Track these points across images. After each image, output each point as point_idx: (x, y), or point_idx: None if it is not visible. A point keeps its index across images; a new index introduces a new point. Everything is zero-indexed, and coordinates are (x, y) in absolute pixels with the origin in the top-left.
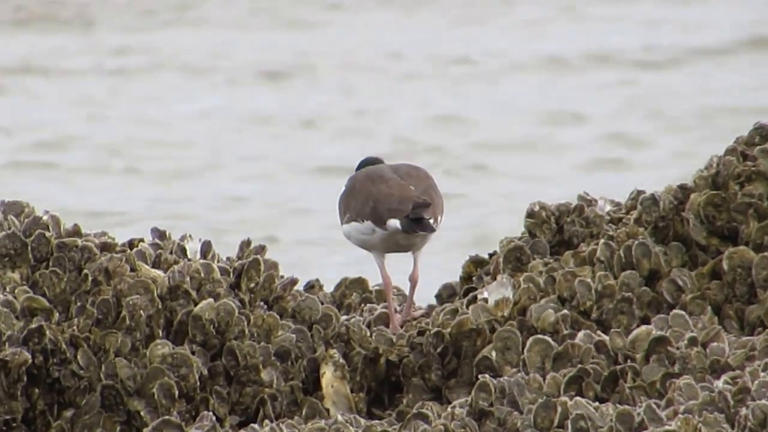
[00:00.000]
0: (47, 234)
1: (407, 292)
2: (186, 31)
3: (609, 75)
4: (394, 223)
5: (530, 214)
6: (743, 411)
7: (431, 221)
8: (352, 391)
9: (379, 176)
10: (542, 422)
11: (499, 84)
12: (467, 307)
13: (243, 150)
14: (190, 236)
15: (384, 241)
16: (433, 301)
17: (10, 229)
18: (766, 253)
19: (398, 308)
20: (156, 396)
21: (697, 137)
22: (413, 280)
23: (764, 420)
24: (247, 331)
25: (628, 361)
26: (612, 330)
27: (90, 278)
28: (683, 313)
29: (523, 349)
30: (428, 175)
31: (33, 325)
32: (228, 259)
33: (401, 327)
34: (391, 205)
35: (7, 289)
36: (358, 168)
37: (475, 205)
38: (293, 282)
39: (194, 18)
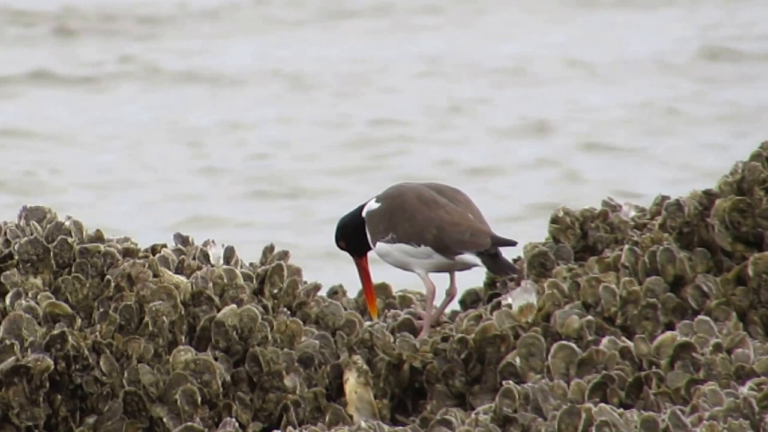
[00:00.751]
0: (69, 239)
1: (426, 303)
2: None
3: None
4: (471, 259)
5: (554, 220)
6: None
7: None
8: (375, 398)
9: (432, 200)
10: (566, 429)
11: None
12: (491, 313)
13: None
14: (213, 242)
15: (434, 265)
16: (457, 307)
17: (32, 234)
18: None
19: (420, 316)
20: (179, 402)
21: None
22: (452, 295)
23: None
24: (270, 337)
25: (653, 367)
26: (636, 336)
27: (112, 284)
28: (708, 319)
29: (547, 355)
30: (469, 198)
31: (55, 331)
32: (251, 264)
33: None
34: (461, 236)
35: (30, 295)
36: (340, 234)
37: None
38: (316, 288)
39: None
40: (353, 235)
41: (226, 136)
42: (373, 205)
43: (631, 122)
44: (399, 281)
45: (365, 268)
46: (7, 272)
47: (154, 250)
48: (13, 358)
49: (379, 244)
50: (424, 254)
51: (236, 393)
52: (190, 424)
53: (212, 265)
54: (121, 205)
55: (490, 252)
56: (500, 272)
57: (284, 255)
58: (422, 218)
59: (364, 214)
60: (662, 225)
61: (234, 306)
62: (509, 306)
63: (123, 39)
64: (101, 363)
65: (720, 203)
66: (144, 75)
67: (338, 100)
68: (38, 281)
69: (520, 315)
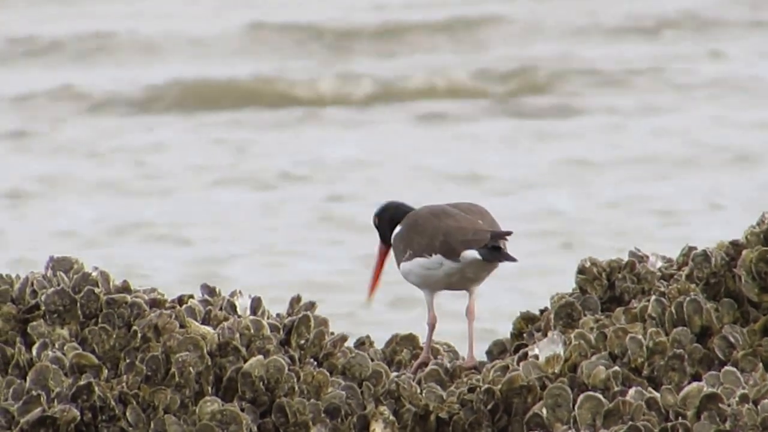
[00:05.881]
0: (96, 290)
1: (427, 333)
2: None
3: None
4: (471, 254)
5: (581, 271)
6: None
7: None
8: None
9: (442, 212)
10: None
11: None
12: (518, 363)
13: None
14: (240, 292)
15: (448, 275)
16: (484, 358)
17: (59, 285)
18: None
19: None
20: None
21: None
22: (470, 314)
23: None
24: (296, 388)
25: (680, 418)
26: (663, 387)
27: (139, 335)
28: (735, 369)
29: (573, 406)
30: (488, 211)
31: (82, 382)
32: (278, 315)
33: (466, 373)
34: (465, 237)
35: (56, 346)
36: (381, 212)
37: None
38: (343, 339)
39: None
40: (387, 226)
41: None
42: (397, 230)
43: None
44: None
45: (383, 257)
46: (34, 323)
47: (180, 300)
48: (39, 408)
49: (402, 265)
50: (437, 263)
51: None
52: None
53: (239, 316)
54: None
55: (488, 245)
56: (495, 259)
57: (311, 306)
58: (432, 228)
59: (392, 240)
60: (689, 276)
61: (261, 357)
62: (536, 357)
63: None
64: (128, 414)
65: (747, 254)
66: None
67: None
68: (65, 332)
69: (547, 366)
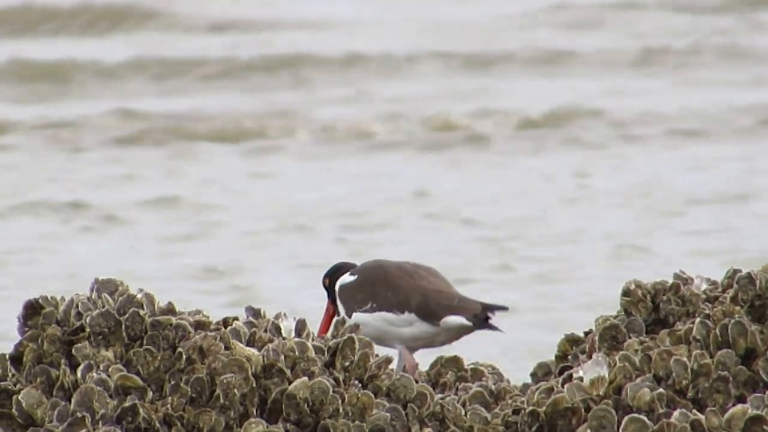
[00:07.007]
0: (141, 312)
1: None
2: None
3: None
4: (457, 320)
5: (626, 293)
6: None
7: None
8: None
9: (414, 271)
10: None
11: None
12: (562, 385)
13: None
14: (284, 314)
15: (414, 337)
16: (528, 380)
17: (104, 307)
18: None
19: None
20: None
21: None
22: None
23: None
24: (341, 410)
25: None
26: (708, 409)
27: (184, 356)
28: None
29: (618, 428)
30: (444, 278)
31: (127, 404)
32: (322, 337)
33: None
34: (449, 302)
35: (101, 368)
36: (332, 273)
37: None
38: (388, 360)
39: None
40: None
41: None
42: (346, 278)
43: None
44: (470, 354)
45: (331, 314)
46: (79, 345)
47: (225, 322)
48: (84, 430)
49: (356, 315)
50: (406, 322)
51: None
52: None
53: (284, 338)
54: None
55: (481, 317)
56: (486, 327)
57: (355, 328)
58: (406, 286)
59: (336, 287)
60: (734, 298)
61: (305, 378)
62: (580, 378)
63: None
64: None
65: None
66: None
67: None
68: (110, 354)
69: (592, 387)
